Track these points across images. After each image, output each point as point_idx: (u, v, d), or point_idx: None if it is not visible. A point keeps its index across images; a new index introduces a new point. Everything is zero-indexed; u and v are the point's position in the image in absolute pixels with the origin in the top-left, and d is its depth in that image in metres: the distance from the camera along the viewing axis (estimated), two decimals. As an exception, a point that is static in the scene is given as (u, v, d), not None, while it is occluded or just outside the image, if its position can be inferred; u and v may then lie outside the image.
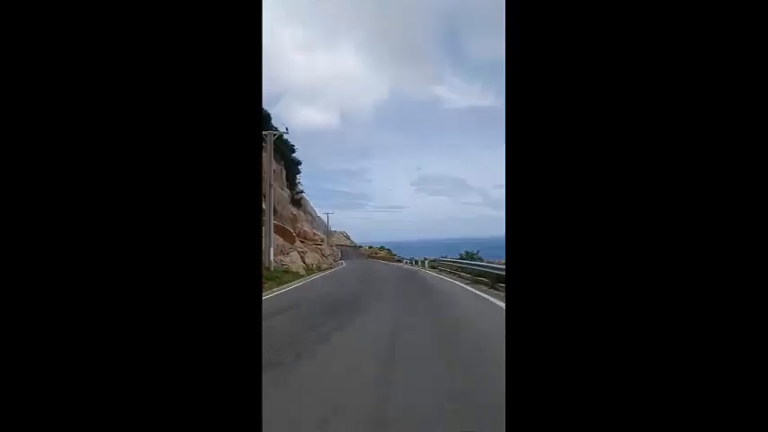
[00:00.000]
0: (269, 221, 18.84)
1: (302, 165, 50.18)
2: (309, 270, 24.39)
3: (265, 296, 10.18)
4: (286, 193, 40.71)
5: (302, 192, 50.20)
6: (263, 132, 19.56)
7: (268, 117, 32.02)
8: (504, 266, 10.32)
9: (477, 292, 10.44)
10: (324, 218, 61.81)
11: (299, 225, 38.95)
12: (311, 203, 61.78)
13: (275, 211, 23.50)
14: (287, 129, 24.90)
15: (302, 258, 25.91)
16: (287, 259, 22.97)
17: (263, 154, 19.71)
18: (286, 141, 39.23)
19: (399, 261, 40.43)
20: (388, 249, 69.88)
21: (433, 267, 24.08)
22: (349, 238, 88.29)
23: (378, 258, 51.93)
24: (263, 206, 18.02)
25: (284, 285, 13.78)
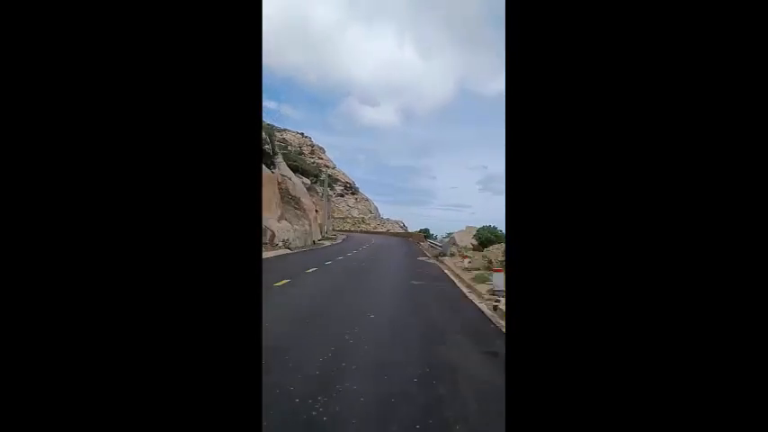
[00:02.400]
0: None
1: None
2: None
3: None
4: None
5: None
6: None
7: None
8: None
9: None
10: (379, 207, 72.81)
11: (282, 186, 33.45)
12: (372, 199, 70.31)
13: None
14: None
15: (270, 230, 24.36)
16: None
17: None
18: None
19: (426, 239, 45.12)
20: (426, 230, 71.90)
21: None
22: (405, 228, 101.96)
23: (412, 238, 57.43)
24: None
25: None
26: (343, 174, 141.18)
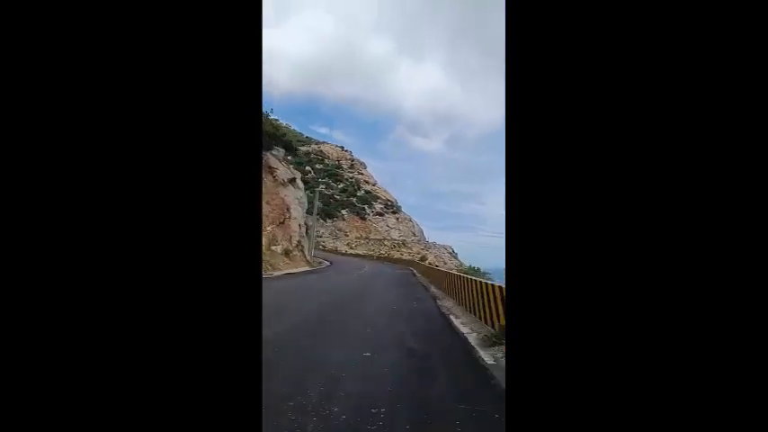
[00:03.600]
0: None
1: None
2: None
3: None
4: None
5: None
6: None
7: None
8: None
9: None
10: (426, 231, 60.62)
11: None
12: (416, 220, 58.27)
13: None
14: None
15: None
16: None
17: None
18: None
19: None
20: (477, 268, 61.66)
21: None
22: (454, 255, 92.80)
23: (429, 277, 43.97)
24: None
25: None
26: (384, 191, 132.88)
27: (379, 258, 51.93)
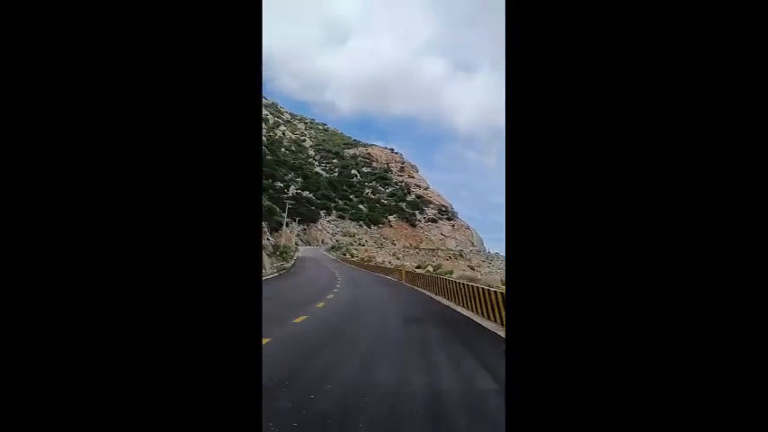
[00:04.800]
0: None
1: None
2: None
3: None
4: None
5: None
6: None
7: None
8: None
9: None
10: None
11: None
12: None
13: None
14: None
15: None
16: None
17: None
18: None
19: None
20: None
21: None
22: None
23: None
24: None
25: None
26: (438, 195, 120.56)
27: (418, 278, 19.56)
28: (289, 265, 27.40)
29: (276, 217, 46.51)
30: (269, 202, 53.59)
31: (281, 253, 33.34)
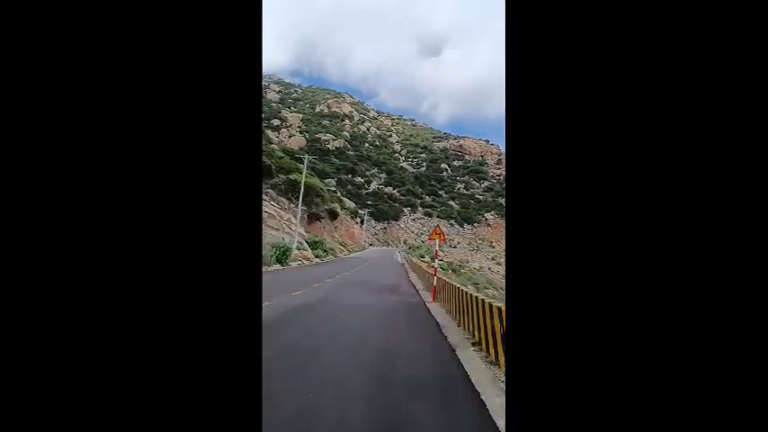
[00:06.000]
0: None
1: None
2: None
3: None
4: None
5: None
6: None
7: None
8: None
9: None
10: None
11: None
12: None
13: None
14: None
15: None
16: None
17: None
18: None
19: None
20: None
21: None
22: None
23: None
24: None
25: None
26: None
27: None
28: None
29: (328, 201, 36.69)
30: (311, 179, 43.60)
31: (319, 249, 23.45)
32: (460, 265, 33.67)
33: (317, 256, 21.99)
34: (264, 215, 19.03)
